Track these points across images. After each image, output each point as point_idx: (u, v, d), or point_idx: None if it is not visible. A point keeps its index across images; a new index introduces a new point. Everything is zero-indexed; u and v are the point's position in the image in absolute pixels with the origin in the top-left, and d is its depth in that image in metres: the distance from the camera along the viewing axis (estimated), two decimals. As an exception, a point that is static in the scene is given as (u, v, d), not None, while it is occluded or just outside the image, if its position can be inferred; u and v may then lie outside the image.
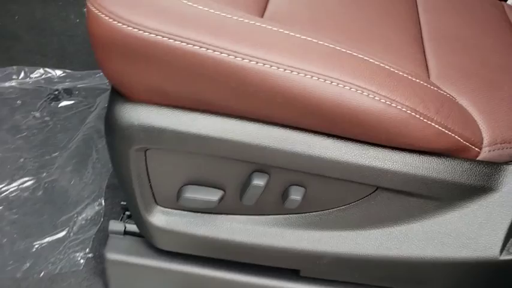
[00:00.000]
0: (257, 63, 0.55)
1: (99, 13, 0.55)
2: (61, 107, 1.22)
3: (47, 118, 1.20)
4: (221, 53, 0.55)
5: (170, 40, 0.55)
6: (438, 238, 0.67)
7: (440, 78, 0.70)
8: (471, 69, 0.72)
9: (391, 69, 0.61)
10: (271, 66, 0.55)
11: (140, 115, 0.62)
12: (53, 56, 1.34)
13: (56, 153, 1.11)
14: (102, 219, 0.96)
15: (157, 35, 0.55)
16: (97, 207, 0.98)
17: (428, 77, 0.69)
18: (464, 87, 0.69)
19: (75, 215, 0.97)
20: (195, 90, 0.59)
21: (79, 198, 1.00)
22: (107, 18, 0.55)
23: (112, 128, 0.64)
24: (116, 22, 0.55)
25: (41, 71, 1.29)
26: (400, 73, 0.61)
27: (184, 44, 0.55)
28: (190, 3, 0.58)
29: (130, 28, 0.55)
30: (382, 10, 0.79)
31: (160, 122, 0.62)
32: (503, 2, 0.93)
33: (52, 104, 1.23)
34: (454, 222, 0.66)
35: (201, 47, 0.55)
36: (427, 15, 0.82)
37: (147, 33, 0.55)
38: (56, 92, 1.26)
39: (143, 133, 0.62)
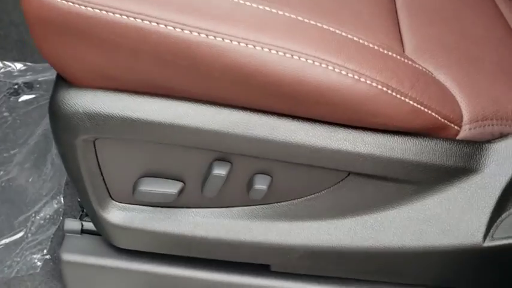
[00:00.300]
0: (208, 36, 0.49)
1: (30, -13, 0.49)
2: (21, 101, 1.16)
3: (6, 114, 1.14)
4: (166, 25, 0.49)
5: (109, 13, 0.49)
6: (417, 225, 0.62)
7: (416, 51, 0.64)
8: (450, 41, 0.67)
9: (361, 42, 0.55)
10: (223, 39, 0.49)
11: (85, 101, 0.56)
12: (12, 49, 1.28)
13: (15, 150, 1.04)
14: (61, 218, 0.90)
15: (94, 8, 0.49)
16: (56, 205, 0.91)
17: (403, 51, 0.64)
18: (442, 61, 0.64)
19: (33, 215, 0.90)
20: (141, 71, 0.52)
21: (37, 196, 0.93)
22: (38, -9, 0.49)
23: (55, 117, 0.58)
24: (48, -4, 0.49)
25: (0, 64, 1.22)
26: (371, 45, 0.56)
27: (125, 17, 0.49)
28: None
29: (63, 1, 0.49)
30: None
31: (107, 108, 0.56)
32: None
33: (11, 99, 1.17)
34: (433, 207, 0.61)
35: (143, 20, 0.49)
36: (401, -15, 0.76)
37: (83, 7, 0.49)
38: (16, 86, 1.20)
39: (89, 121, 0.56)
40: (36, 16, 0.50)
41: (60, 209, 0.91)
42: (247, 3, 0.53)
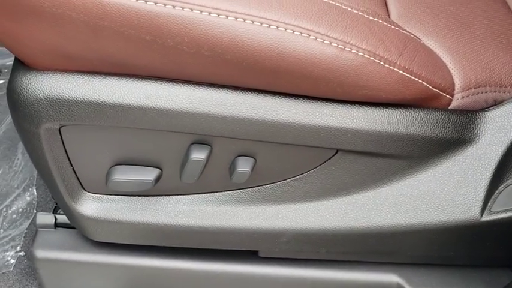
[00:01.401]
0: (174, 7, 0.44)
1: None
2: (-12, 88, 1.10)
3: (-28, 101, 1.07)
4: (127, -3, 0.44)
5: (62, -14, 0.43)
6: (410, 202, 0.58)
7: (402, 17, 0.60)
8: (437, 6, 0.63)
9: (343, 7, 0.51)
10: (192, 10, 0.44)
11: (46, 85, 0.51)
12: (-25, 32, 1.20)
13: (-16, 141, 0.98)
14: (34, 211, 0.85)
15: (45, -18, 0.43)
16: (28, 198, 0.86)
17: (389, 16, 0.59)
18: (431, 26, 0.60)
19: (5, 209, 0.85)
20: (103, 49, 0.47)
21: (9, 189, 0.88)
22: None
23: (15, 104, 0.53)
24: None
25: (-36, 49, 1.16)
26: (354, 11, 0.51)
27: (80, -11, 0.43)
28: None
29: (10, -25, 0.43)
30: None
31: (70, 93, 0.51)
32: None
33: (-22, 86, 1.10)
34: (427, 182, 0.58)
35: (101, -8, 0.43)
36: None
37: None
38: (-18, 72, 1.13)
39: (52, 107, 0.52)
40: None
41: (34, 201, 0.86)
42: (217, -32, 0.48)
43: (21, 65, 0.53)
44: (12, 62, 1.26)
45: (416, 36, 0.58)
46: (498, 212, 0.57)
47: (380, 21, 0.53)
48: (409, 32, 0.56)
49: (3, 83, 1.12)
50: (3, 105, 1.07)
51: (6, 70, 1.16)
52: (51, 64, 0.51)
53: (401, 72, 0.50)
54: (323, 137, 0.54)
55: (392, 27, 0.54)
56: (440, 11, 0.62)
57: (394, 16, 0.61)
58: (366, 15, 0.52)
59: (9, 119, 1.03)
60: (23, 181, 0.89)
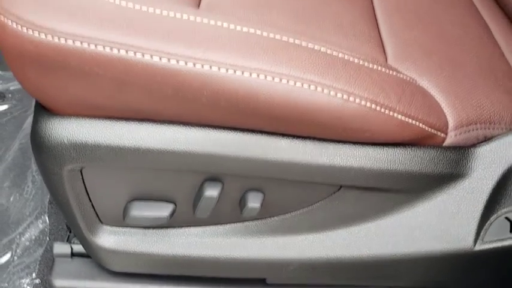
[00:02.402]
0: (195, 65, 0.48)
1: (5, 19, 0.47)
2: (-7, 113, 1.12)
3: (-23, 128, 1.09)
4: (152, 56, 0.48)
5: (90, 46, 0.47)
6: (408, 233, 0.63)
7: (397, 58, 0.65)
8: (430, 45, 0.67)
9: (346, 57, 0.55)
10: (211, 67, 0.48)
11: (69, 130, 0.54)
12: (-22, 57, 1.22)
13: (-8, 167, 1.00)
14: (47, 239, 0.88)
15: (74, 41, 0.47)
16: (41, 225, 0.89)
17: (386, 58, 0.64)
18: (424, 67, 0.64)
19: (18, 236, 0.88)
20: (127, 101, 0.51)
21: (20, 216, 0.91)
22: (14, 24, 0.47)
23: (39, 147, 0.56)
24: (25, 29, 0.47)
25: (-34, 74, 1.17)
26: (356, 61, 0.56)
27: (108, 49, 0.47)
28: (111, 1, 0.50)
29: (42, 35, 0.47)
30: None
31: (92, 137, 0.54)
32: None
33: (-17, 111, 1.12)
34: (423, 214, 0.62)
35: (127, 51, 0.47)
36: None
37: (62, 40, 0.47)
38: (-14, 97, 1.15)
39: (74, 151, 0.55)
40: (14, 48, 0.49)
41: (46, 229, 0.89)
42: (231, 26, 0.52)
43: (43, 110, 0.56)
44: (15, 87, 1.27)
45: (412, 78, 0.62)
46: (490, 242, 0.62)
47: (379, 68, 0.57)
48: (405, 75, 0.60)
49: (8, 108, 1.14)
50: (8, 131, 1.08)
51: (10, 95, 1.18)
52: (75, 112, 0.54)
53: (400, 117, 0.55)
54: (328, 174, 0.58)
55: (391, 72, 0.58)
56: (432, 51, 0.67)
57: (390, 58, 0.65)
58: (366, 64, 0.56)
59: (16, 145, 1.05)
60: (35, 209, 0.91)
